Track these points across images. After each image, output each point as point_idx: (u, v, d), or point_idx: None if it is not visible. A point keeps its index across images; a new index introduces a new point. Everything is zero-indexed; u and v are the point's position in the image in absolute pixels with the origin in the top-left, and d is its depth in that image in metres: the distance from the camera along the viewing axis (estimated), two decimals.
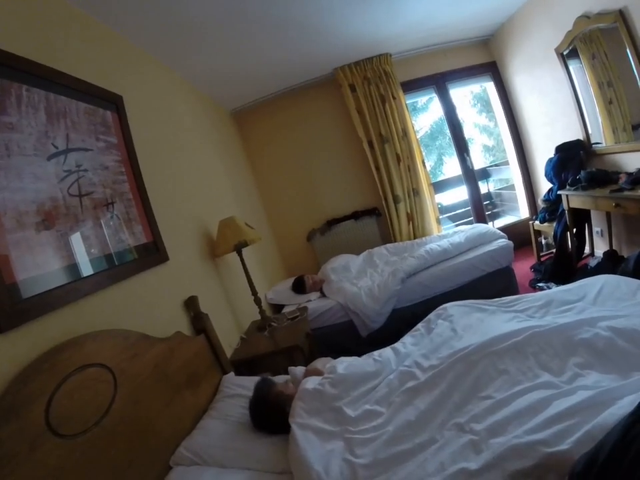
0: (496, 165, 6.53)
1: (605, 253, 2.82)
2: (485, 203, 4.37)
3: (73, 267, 1.18)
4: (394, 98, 3.62)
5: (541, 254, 3.52)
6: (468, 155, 4.06)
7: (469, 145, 4.36)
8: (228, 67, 2.76)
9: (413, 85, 3.89)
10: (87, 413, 1.03)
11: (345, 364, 1.56)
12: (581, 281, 1.74)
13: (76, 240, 1.23)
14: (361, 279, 3.04)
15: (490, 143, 9.85)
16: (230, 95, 3.39)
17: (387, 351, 1.62)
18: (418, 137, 4.10)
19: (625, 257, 2.58)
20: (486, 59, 3.94)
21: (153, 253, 1.64)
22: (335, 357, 1.72)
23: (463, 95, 8.67)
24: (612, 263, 2.61)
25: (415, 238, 3.71)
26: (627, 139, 2.60)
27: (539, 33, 3.12)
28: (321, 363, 1.70)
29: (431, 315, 1.85)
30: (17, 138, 1.07)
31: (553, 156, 3.13)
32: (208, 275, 2.16)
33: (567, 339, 1.27)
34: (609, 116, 2.70)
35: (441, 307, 1.89)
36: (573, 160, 2.94)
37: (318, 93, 3.81)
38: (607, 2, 2.34)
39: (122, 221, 1.49)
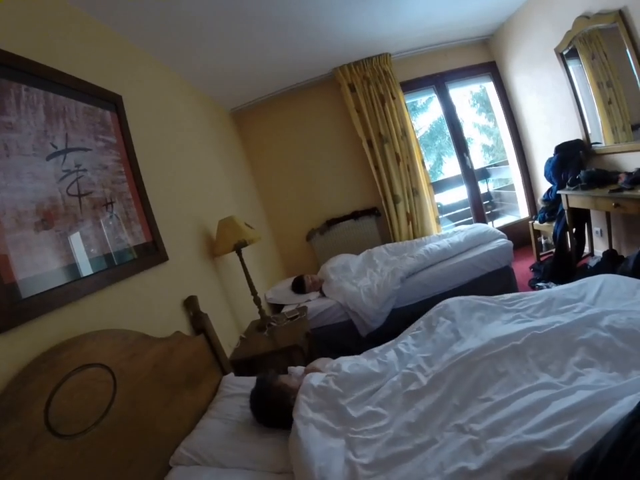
0: (495, 165, 6.54)
1: (604, 253, 2.82)
2: (484, 202, 4.37)
3: (73, 267, 1.18)
4: (393, 98, 3.62)
5: (541, 254, 3.53)
6: (467, 154, 4.06)
7: (469, 144, 4.36)
8: (227, 66, 2.76)
9: (413, 85, 3.89)
10: (87, 412, 1.03)
11: (349, 363, 1.56)
12: (580, 280, 1.74)
13: (75, 240, 1.22)
14: (361, 278, 3.04)
15: (489, 142, 9.86)
16: (229, 94, 3.39)
17: (390, 353, 1.60)
18: (417, 136, 4.10)
19: (625, 256, 2.59)
20: (485, 59, 3.94)
21: (152, 252, 1.64)
22: (334, 357, 1.73)
23: (462, 94, 8.69)
24: (611, 263, 2.61)
25: (414, 238, 3.71)
26: (627, 138, 2.60)
27: (538, 32, 3.12)
28: (320, 362, 1.70)
29: (432, 312, 1.83)
30: (15, 138, 1.07)
31: (552, 156, 3.13)
32: (207, 274, 2.15)
33: (567, 340, 1.28)
34: (608, 116, 2.70)
35: (442, 303, 1.86)
36: (572, 160, 2.95)
37: (317, 92, 3.81)
38: (606, 2, 2.34)
39: (121, 220, 1.49)
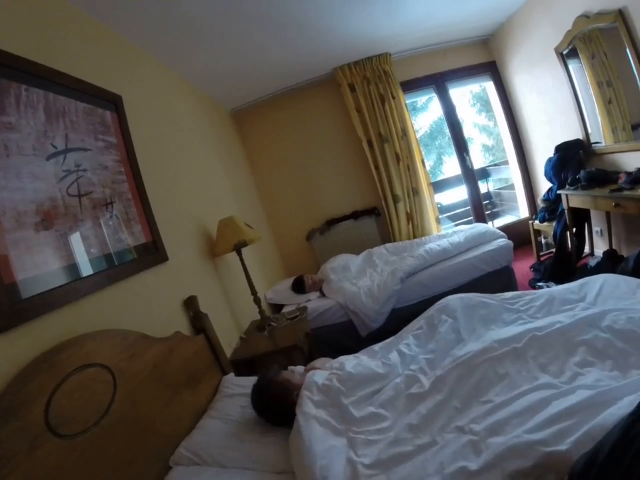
0: (495, 165, 6.54)
1: (604, 253, 2.82)
2: (484, 202, 4.37)
3: (73, 267, 1.18)
4: (393, 97, 3.61)
5: (541, 253, 3.53)
6: (467, 154, 4.06)
7: (469, 144, 4.35)
8: (227, 66, 2.76)
9: (413, 85, 3.89)
10: (86, 412, 1.03)
11: (352, 362, 1.55)
12: (581, 280, 1.74)
13: (75, 240, 1.22)
14: (361, 278, 3.04)
15: (489, 142, 9.87)
16: (229, 94, 3.39)
17: (393, 354, 1.59)
18: (417, 136, 4.10)
19: (625, 256, 2.59)
20: (485, 59, 3.94)
21: (152, 252, 1.64)
22: (334, 357, 1.72)
23: (462, 94, 8.70)
24: (611, 263, 2.61)
25: (414, 238, 3.71)
26: (627, 138, 2.60)
27: (538, 32, 3.12)
28: (320, 362, 1.70)
29: (433, 310, 1.80)
30: (15, 138, 1.07)
31: (552, 155, 3.13)
32: (207, 274, 2.15)
33: (567, 341, 1.28)
34: (608, 115, 2.70)
35: (443, 300, 1.84)
36: (572, 159, 2.94)
37: (317, 92, 3.80)
38: (606, 2, 2.34)
39: (121, 220, 1.49)
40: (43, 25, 1.35)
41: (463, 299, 1.80)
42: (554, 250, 3.19)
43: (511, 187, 5.05)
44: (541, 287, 2.86)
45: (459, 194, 5.88)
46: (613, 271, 2.00)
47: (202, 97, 3.05)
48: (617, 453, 0.66)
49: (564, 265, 2.99)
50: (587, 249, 3.22)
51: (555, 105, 3.25)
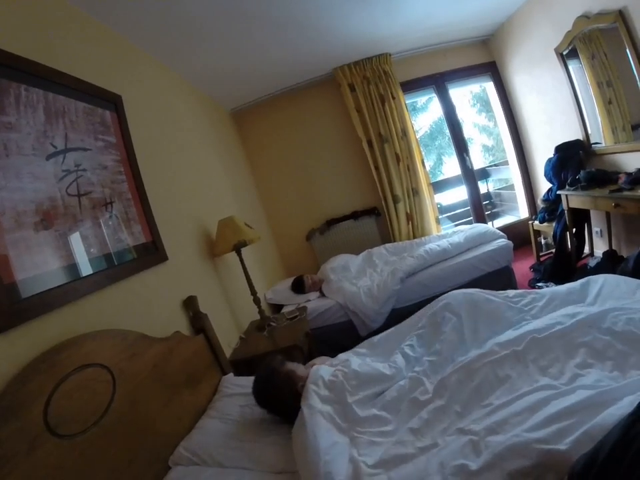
0: (495, 165, 6.55)
1: (604, 253, 2.82)
2: (484, 202, 4.37)
3: (72, 267, 1.18)
4: (393, 98, 3.62)
5: (541, 254, 3.53)
6: (467, 154, 4.06)
7: (469, 144, 4.36)
8: (227, 66, 2.76)
9: (413, 85, 3.89)
10: (86, 412, 1.03)
11: (358, 361, 1.55)
12: (581, 280, 1.73)
13: (75, 240, 1.22)
14: (360, 278, 3.04)
15: (489, 142, 9.87)
16: (229, 94, 3.39)
17: (398, 357, 1.57)
18: (417, 136, 4.10)
19: (625, 256, 2.59)
20: (485, 59, 3.94)
21: (152, 252, 1.64)
22: (333, 357, 1.72)
23: (462, 94, 8.70)
24: (611, 263, 2.61)
25: (414, 238, 3.71)
26: (627, 139, 2.60)
27: (538, 32, 3.12)
28: (320, 361, 1.70)
29: (437, 308, 1.75)
30: (15, 137, 1.07)
31: (552, 156, 3.13)
32: (207, 274, 2.15)
33: (567, 343, 1.27)
34: (608, 116, 2.70)
35: (447, 296, 1.79)
36: (572, 160, 2.95)
37: (317, 92, 3.81)
38: (606, 2, 2.34)
39: (121, 220, 1.49)
40: (43, 24, 1.35)
41: (466, 295, 1.76)
42: (554, 250, 3.19)
43: (511, 187, 5.05)
44: (540, 287, 2.86)
45: (458, 194, 5.88)
46: (613, 272, 1.99)
47: (202, 96, 3.05)
48: (617, 453, 0.66)
49: (564, 266, 2.99)
50: (586, 250, 3.22)
51: (555, 105, 3.25)
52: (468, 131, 9.12)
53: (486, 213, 4.34)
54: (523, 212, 4.28)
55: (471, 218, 4.28)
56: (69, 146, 1.28)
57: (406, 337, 1.71)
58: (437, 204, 4.09)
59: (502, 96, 3.98)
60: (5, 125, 1.05)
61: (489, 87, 4.14)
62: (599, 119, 2.79)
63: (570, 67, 2.89)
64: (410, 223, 3.77)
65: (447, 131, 4.25)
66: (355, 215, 3.92)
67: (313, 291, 3.03)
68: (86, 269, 1.23)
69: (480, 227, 3.28)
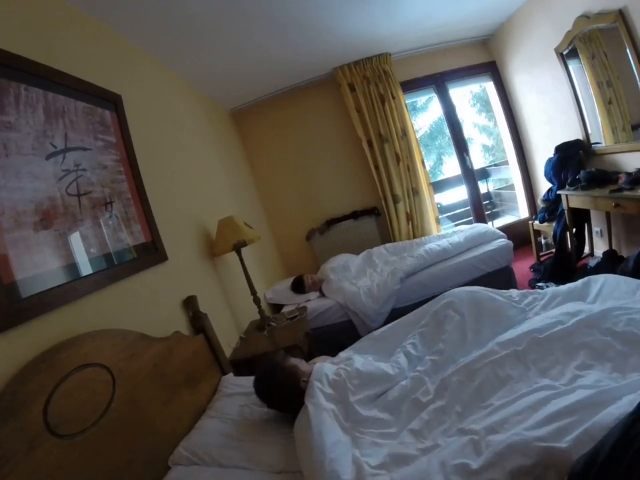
0: (495, 165, 6.54)
1: (604, 253, 2.82)
2: (484, 202, 4.37)
3: (72, 267, 1.18)
4: (393, 97, 3.61)
5: (541, 254, 3.53)
6: (467, 154, 4.06)
7: (469, 144, 4.36)
8: (227, 66, 2.76)
9: (413, 85, 3.89)
10: (86, 412, 1.02)
11: (361, 360, 1.54)
12: (581, 280, 1.73)
13: (75, 239, 1.22)
14: (360, 278, 3.04)
15: (489, 142, 9.87)
16: (229, 94, 3.39)
17: (401, 357, 1.57)
18: (417, 136, 4.10)
19: (625, 256, 2.58)
20: (485, 59, 3.94)
21: (151, 252, 1.64)
22: (334, 357, 1.72)
23: (462, 94, 8.70)
24: (611, 263, 2.61)
25: (414, 238, 3.71)
26: (627, 138, 2.60)
27: (538, 32, 3.12)
28: (320, 361, 1.70)
29: (439, 306, 1.73)
30: (15, 137, 1.07)
31: (552, 156, 3.13)
32: (207, 274, 2.15)
33: (567, 344, 1.27)
34: (608, 116, 2.70)
35: (450, 294, 1.76)
36: (572, 160, 2.94)
37: (317, 92, 3.80)
38: (606, 2, 2.34)
39: (121, 220, 1.49)
40: (43, 24, 1.35)
41: (469, 293, 1.75)
42: (554, 250, 3.19)
43: (511, 187, 5.05)
44: (540, 287, 2.85)
45: (458, 194, 5.88)
46: (613, 272, 1.99)
47: (202, 96, 3.05)
48: (617, 453, 0.66)
49: (564, 266, 2.99)
50: (586, 250, 3.22)
51: (555, 105, 3.25)
52: (468, 131, 9.13)
53: (486, 212, 4.34)
54: (523, 212, 4.28)
55: (471, 218, 4.28)
56: (69, 145, 1.28)
57: (408, 334, 1.70)
58: (437, 204, 4.09)
59: (502, 96, 3.98)
60: (4, 124, 1.04)
61: (489, 86, 4.14)
62: (599, 119, 2.79)
63: (570, 67, 2.89)
64: (410, 222, 3.77)
65: (447, 131, 4.25)
66: (354, 215, 3.92)
67: (312, 290, 3.03)
68: (86, 269, 1.23)
69: (480, 226, 3.28)
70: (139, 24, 1.87)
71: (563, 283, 1.83)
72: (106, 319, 1.27)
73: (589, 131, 2.93)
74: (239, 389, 1.61)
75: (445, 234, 3.44)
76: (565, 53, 2.86)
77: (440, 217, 4.08)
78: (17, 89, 1.11)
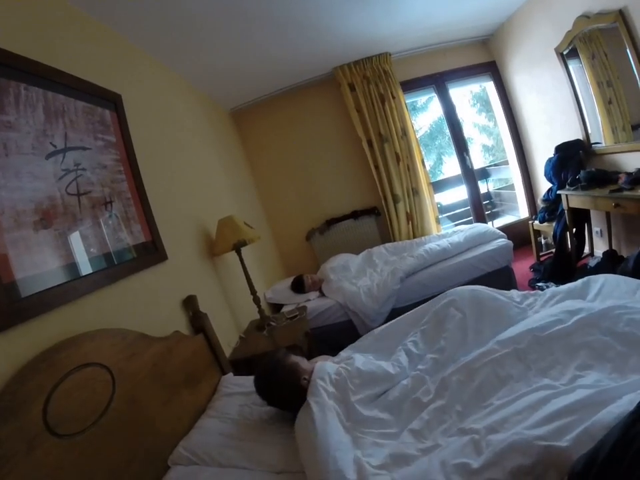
0: (495, 165, 6.54)
1: (604, 253, 2.82)
2: (484, 202, 4.37)
3: (72, 266, 1.18)
4: (393, 97, 3.61)
5: (541, 254, 3.53)
6: (467, 154, 4.06)
7: (469, 144, 4.35)
8: (227, 65, 2.75)
9: (413, 85, 3.89)
10: (85, 412, 1.02)
11: (362, 359, 1.54)
12: (582, 279, 1.73)
13: (74, 239, 1.22)
14: (360, 278, 3.04)
15: (489, 142, 9.87)
16: (229, 94, 3.39)
17: (402, 356, 1.57)
18: (417, 136, 4.10)
19: (625, 256, 2.58)
20: (485, 59, 3.94)
21: (151, 252, 1.64)
22: (334, 356, 1.72)
23: (462, 94, 8.69)
24: (611, 263, 2.61)
25: (414, 237, 3.70)
26: (627, 138, 2.60)
27: (538, 32, 3.12)
28: (321, 360, 1.69)
29: (441, 304, 1.72)
30: (15, 137, 1.07)
31: (552, 156, 3.13)
32: (207, 274, 2.15)
33: (568, 344, 1.27)
34: (608, 116, 2.70)
35: (452, 292, 1.76)
36: (572, 160, 2.94)
37: (317, 92, 3.80)
38: (606, 2, 2.33)
39: (120, 219, 1.49)
40: (43, 24, 1.35)
41: (471, 292, 1.74)
42: (554, 250, 3.19)
43: (511, 187, 5.05)
44: (540, 287, 2.86)
45: (458, 194, 5.88)
46: (613, 272, 1.99)
47: (201, 96, 3.05)
48: (617, 453, 0.66)
49: (564, 266, 2.99)
50: (586, 250, 3.22)
51: (555, 105, 3.25)
52: (468, 131, 9.13)
53: (486, 212, 4.34)
54: (523, 212, 4.28)
55: (471, 218, 4.28)
56: (69, 145, 1.28)
57: (409, 332, 1.70)
58: (437, 204, 4.09)
59: (502, 96, 3.98)
60: (4, 124, 1.04)
61: (489, 86, 4.14)
62: (599, 119, 2.79)
63: (570, 67, 2.89)
64: (410, 222, 3.77)
65: (447, 131, 4.25)
66: (354, 215, 3.92)
67: (312, 290, 3.03)
68: (85, 268, 1.23)
69: (480, 226, 3.28)
70: (138, 24, 1.87)
71: (563, 283, 1.83)
72: (106, 318, 1.27)
73: (589, 131, 2.93)
74: (238, 389, 1.61)
75: (444, 234, 3.44)
76: (565, 52, 2.86)
77: (440, 216, 4.08)
78: (16, 89, 1.11)
